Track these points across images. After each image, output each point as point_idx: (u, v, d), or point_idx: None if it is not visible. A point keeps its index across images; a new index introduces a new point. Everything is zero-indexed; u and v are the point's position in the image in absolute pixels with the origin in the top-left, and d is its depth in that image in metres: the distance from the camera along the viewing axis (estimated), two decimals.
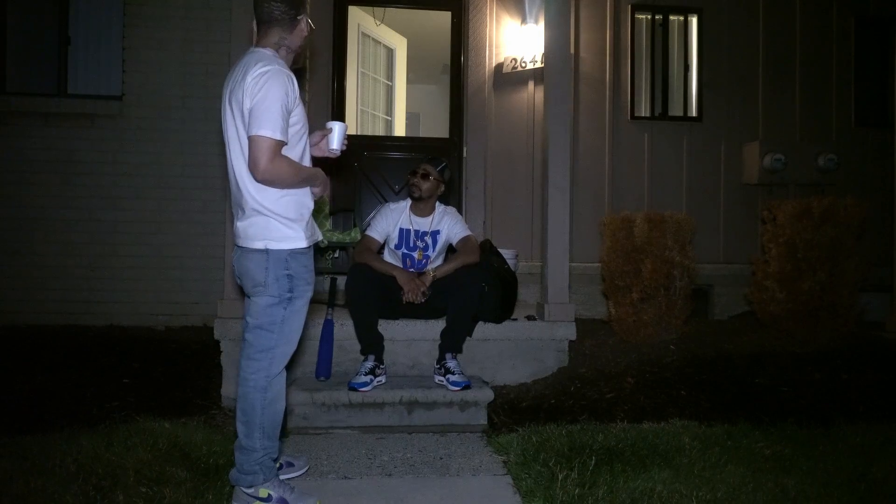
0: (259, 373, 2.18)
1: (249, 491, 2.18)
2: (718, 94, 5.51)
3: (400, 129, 6.07)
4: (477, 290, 3.39)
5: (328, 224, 4.83)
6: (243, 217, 2.19)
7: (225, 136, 2.21)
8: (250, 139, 2.06)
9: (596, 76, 5.38)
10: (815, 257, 3.97)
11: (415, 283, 3.37)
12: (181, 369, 3.70)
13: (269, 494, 2.18)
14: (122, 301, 4.88)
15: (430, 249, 3.59)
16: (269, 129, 2.04)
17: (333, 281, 3.86)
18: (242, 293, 2.32)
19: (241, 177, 2.16)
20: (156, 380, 3.52)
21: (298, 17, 2.21)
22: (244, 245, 2.19)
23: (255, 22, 2.25)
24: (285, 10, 2.17)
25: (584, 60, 5.36)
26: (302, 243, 2.20)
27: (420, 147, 5.44)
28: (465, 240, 3.57)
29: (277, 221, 2.16)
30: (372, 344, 3.33)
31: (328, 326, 3.42)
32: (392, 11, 5.61)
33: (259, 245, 2.15)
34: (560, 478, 2.32)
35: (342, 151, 2.42)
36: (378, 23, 5.57)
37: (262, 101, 2.04)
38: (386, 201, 4.79)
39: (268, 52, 2.18)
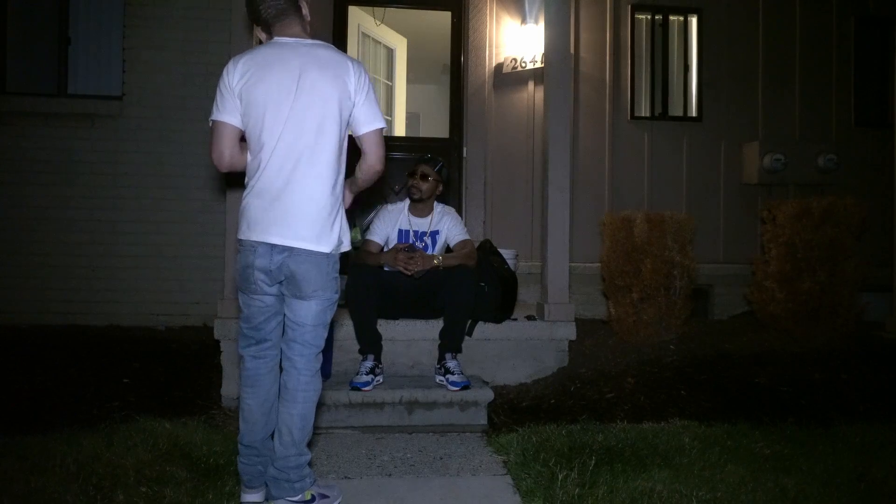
0: (316, 376, 2.15)
1: (296, 499, 2.07)
2: (718, 94, 5.51)
3: (400, 130, 6.07)
4: (474, 288, 3.40)
5: None
6: (305, 214, 2.05)
7: (282, 122, 2.02)
8: (374, 132, 2.13)
9: (596, 76, 5.37)
10: (814, 257, 3.97)
11: (404, 255, 3.35)
12: (181, 369, 3.70)
13: (312, 495, 2.12)
14: (122, 301, 4.87)
15: (430, 250, 3.59)
16: (383, 122, 2.16)
17: None
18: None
19: (319, 165, 2.06)
20: (156, 380, 3.51)
21: (298, 2, 2.15)
22: (310, 248, 2.05)
23: (259, 30, 2.18)
24: None
25: (584, 60, 5.35)
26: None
27: (420, 147, 5.42)
28: (463, 244, 3.57)
29: (341, 219, 2.15)
30: (371, 343, 3.34)
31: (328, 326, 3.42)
32: (392, 11, 5.61)
33: (331, 247, 2.09)
34: (560, 478, 2.33)
35: None
36: (378, 23, 5.57)
37: (373, 95, 2.15)
38: (386, 201, 4.79)
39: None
